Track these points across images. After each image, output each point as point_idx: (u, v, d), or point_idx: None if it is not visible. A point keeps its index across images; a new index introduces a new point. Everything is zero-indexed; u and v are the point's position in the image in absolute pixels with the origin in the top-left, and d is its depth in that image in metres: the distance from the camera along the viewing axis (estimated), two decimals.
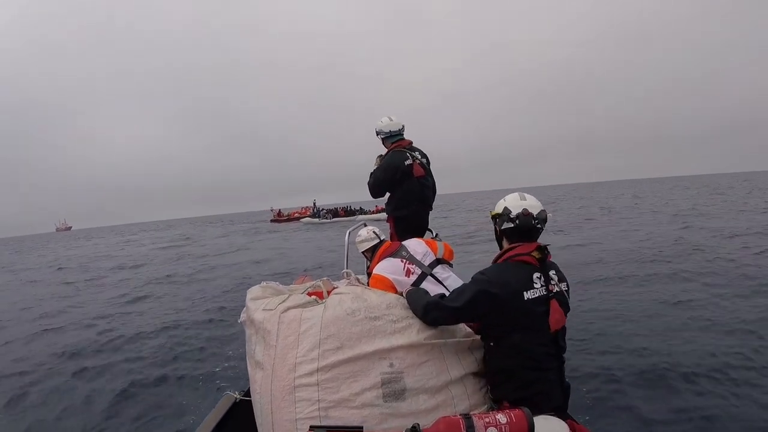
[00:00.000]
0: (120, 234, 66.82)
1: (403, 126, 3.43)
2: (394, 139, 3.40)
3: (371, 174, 3.44)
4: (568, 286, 1.97)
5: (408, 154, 3.30)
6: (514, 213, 1.92)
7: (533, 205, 1.94)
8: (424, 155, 3.43)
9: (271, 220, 43.89)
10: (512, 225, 1.93)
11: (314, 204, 40.11)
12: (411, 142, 3.42)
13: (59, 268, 20.28)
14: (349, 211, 35.73)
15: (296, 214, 41.83)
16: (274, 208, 47.03)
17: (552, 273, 1.90)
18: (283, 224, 39.55)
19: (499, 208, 2.01)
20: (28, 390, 5.09)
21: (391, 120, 3.39)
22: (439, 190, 3.61)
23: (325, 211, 36.94)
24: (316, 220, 35.67)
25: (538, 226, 1.93)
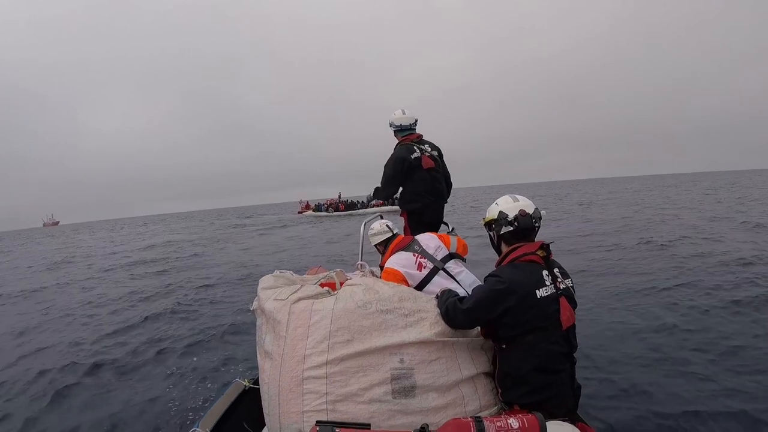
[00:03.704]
0: (143, 225, 63.35)
1: (416, 120, 3.36)
2: (404, 133, 3.35)
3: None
4: (572, 281, 1.95)
5: (415, 147, 3.25)
6: (511, 216, 1.91)
7: (528, 205, 1.94)
8: (435, 148, 3.36)
9: (299, 212, 43.99)
10: (512, 228, 1.91)
11: (339, 196, 40.84)
12: (420, 136, 3.36)
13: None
14: (349, 205, 36.91)
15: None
16: (302, 200, 46.78)
17: (556, 270, 1.88)
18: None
19: (493, 214, 1.98)
20: None
21: (404, 113, 3.33)
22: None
23: (326, 205, 38.13)
24: (319, 213, 37.40)
25: (536, 224, 1.93)
